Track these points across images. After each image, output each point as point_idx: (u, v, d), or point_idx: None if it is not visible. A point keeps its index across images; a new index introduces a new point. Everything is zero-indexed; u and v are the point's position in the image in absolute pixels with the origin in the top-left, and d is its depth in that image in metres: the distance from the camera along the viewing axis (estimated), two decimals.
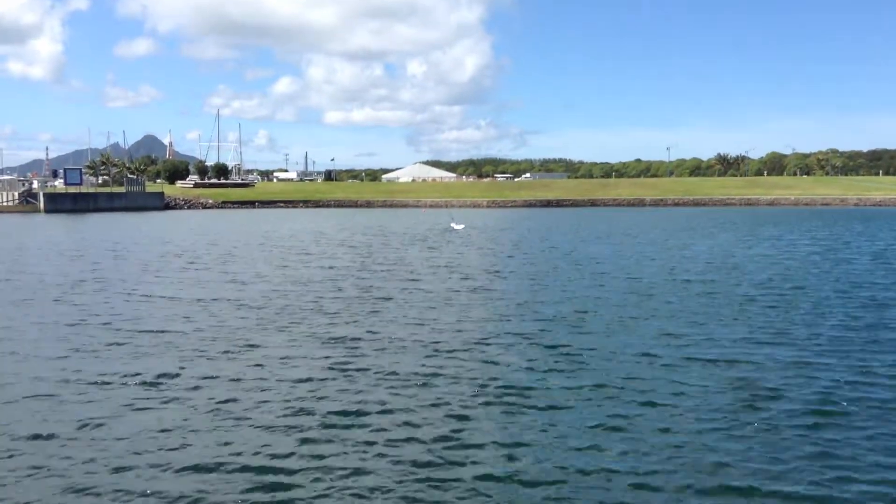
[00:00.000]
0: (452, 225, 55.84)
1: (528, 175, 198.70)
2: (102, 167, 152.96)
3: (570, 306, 19.43)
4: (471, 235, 47.48)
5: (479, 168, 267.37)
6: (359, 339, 15.64)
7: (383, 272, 27.35)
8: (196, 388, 12.03)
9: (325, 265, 30.11)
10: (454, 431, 9.86)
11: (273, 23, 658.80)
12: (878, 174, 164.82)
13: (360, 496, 8.00)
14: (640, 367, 13.11)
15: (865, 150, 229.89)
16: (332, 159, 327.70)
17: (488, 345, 14.92)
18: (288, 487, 8.24)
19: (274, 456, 9.11)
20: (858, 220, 62.69)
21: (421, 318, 17.83)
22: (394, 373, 12.78)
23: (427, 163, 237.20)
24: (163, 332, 16.42)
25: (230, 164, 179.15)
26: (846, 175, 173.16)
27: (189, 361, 13.73)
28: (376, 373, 12.83)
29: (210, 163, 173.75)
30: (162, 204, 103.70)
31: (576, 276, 25.85)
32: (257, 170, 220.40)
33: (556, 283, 24.30)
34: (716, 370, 12.93)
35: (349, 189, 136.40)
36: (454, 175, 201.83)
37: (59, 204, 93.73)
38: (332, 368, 13.14)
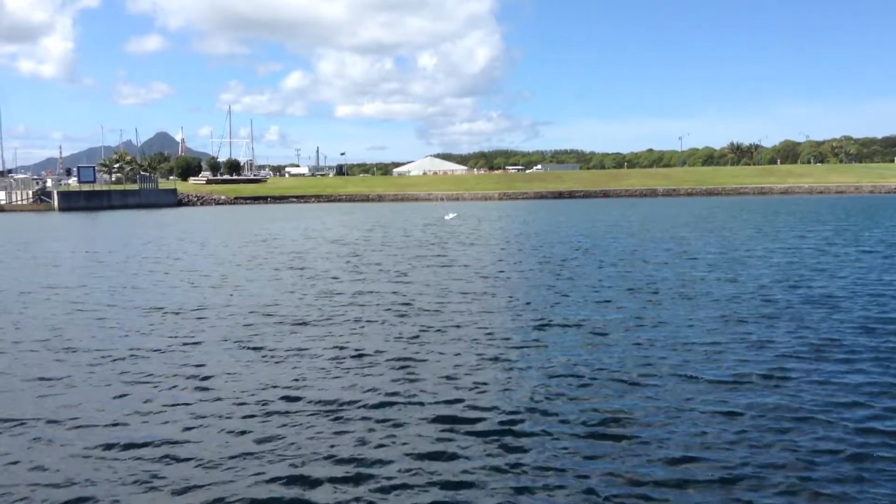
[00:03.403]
0: (445, 216, 57.94)
1: (539, 167, 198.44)
2: (116, 165, 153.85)
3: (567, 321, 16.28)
4: (483, 233, 47.11)
5: (490, 160, 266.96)
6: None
7: (366, 274, 25.44)
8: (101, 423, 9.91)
9: (311, 267, 27.83)
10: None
11: (283, 17, 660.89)
12: (892, 161, 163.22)
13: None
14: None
15: (880, 136, 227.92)
16: (343, 153, 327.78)
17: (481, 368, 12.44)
18: None
19: None
20: (880, 210, 61.92)
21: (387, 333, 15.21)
22: (333, 401, 10.57)
23: (438, 156, 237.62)
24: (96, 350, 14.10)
25: (242, 159, 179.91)
26: (861, 162, 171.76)
27: (115, 387, 11.56)
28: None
29: (222, 159, 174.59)
30: (175, 201, 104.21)
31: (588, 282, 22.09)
32: (269, 165, 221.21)
33: (561, 288, 21.53)
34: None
35: (361, 183, 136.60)
36: (465, 168, 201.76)
37: (72, 202, 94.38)
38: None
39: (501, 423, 9.57)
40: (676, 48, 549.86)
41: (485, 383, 11.35)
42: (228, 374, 12.26)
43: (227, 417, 10.01)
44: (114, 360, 13.22)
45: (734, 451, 8.56)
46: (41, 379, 12.07)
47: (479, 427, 9.46)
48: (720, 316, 16.15)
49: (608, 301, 18.40)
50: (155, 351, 13.92)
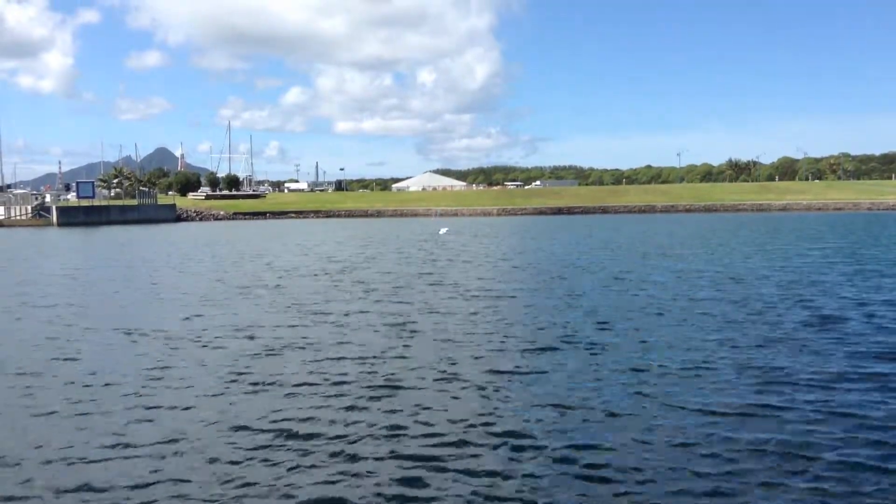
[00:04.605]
0: (438, 231, 61.42)
1: (538, 182, 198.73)
2: (115, 180, 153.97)
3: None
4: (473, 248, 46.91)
5: (489, 176, 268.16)
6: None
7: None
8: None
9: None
10: None
11: (282, 33, 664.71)
12: (890, 178, 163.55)
13: None
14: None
15: (878, 153, 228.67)
16: (342, 169, 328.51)
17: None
18: None
19: None
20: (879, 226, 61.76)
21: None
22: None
23: (437, 172, 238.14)
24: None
25: (241, 175, 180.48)
26: (858, 179, 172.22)
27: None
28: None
29: (221, 174, 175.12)
30: (174, 216, 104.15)
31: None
32: (268, 181, 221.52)
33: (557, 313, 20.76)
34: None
35: (360, 199, 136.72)
36: (464, 184, 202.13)
37: (71, 217, 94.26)
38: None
39: (482, 455, 9.04)
40: (675, 64, 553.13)
41: (468, 410, 10.78)
42: (200, 401, 11.58)
43: (199, 450, 9.43)
44: (82, 387, 12.47)
45: (739, 488, 8.05)
46: None
47: (460, 460, 8.91)
48: (721, 339, 15.46)
49: (603, 322, 17.68)
50: (122, 376, 13.20)
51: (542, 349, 14.80)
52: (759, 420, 10.19)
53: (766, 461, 8.75)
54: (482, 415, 10.60)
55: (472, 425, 10.14)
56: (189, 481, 8.44)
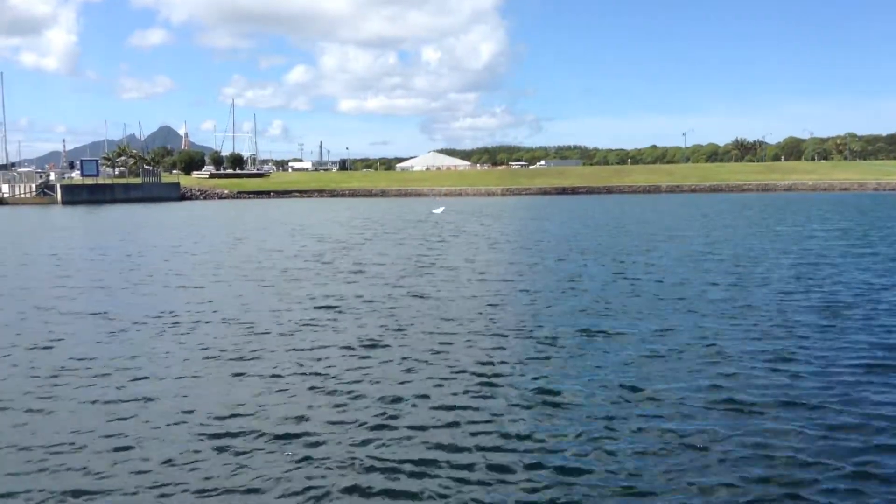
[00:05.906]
0: (433, 210, 64.33)
1: (542, 162, 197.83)
2: (119, 158, 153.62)
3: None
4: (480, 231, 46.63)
5: (493, 156, 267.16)
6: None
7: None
8: None
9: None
10: None
11: (286, 11, 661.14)
12: None
13: None
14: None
15: (885, 133, 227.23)
16: (347, 148, 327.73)
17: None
18: None
19: None
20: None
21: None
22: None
23: (441, 151, 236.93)
24: None
25: (245, 154, 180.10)
26: (865, 159, 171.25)
27: None
28: None
29: (225, 153, 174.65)
30: (178, 195, 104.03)
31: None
32: (272, 159, 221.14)
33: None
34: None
35: (364, 178, 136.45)
36: (468, 163, 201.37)
37: (75, 195, 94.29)
38: None
39: (478, 450, 8.59)
40: (681, 44, 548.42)
41: (462, 402, 10.30)
42: (175, 390, 11.18)
43: (171, 441, 9.11)
44: (51, 375, 12.14)
45: (749, 487, 7.63)
46: None
47: (454, 456, 8.49)
48: (729, 327, 14.89)
49: (605, 308, 17.12)
50: (93, 360, 12.92)
51: (542, 337, 14.19)
52: (766, 412, 9.78)
53: (774, 457, 8.40)
54: (478, 409, 10.07)
55: (467, 420, 9.65)
56: (179, 475, 8.24)
